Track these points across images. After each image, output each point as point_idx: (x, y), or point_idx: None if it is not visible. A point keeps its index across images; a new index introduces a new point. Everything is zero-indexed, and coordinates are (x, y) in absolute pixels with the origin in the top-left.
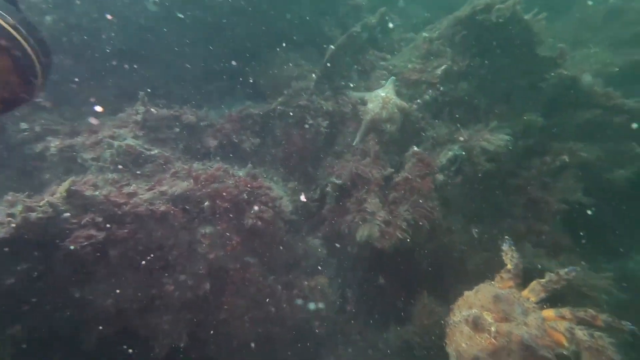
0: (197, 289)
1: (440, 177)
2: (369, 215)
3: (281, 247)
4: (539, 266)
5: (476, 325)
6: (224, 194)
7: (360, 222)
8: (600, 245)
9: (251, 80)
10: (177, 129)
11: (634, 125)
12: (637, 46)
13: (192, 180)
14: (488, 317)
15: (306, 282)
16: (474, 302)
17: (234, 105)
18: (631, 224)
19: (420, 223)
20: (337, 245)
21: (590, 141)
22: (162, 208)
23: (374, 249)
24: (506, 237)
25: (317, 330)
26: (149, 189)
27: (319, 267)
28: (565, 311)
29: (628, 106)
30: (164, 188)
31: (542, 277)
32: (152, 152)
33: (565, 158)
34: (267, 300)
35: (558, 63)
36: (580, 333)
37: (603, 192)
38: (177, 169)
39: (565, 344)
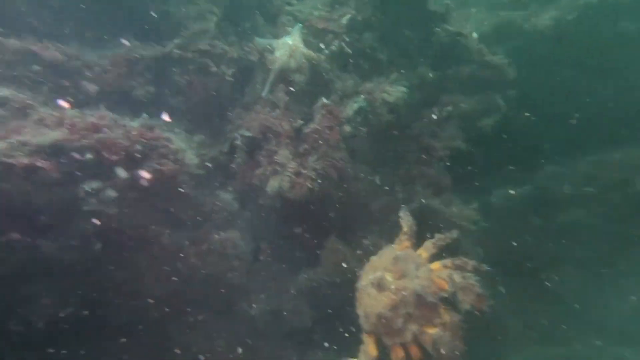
0: (84, 250)
1: (347, 128)
2: (279, 167)
3: (187, 202)
4: (427, 205)
5: (380, 286)
6: (112, 145)
7: (271, 174)
8: (470, 183)
9: (142, 18)
10: (38, 67)
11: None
12: (513, 9)
13: (66, 130)
14: (389, 277)
15: (217, 236)
16: (378, 266)
17: (118, 45)
18: (493, 165)
19: (329, 173)
20: (250, 198)
21: (469, 94)
22: (25, 161)
23: (285, 199)
24: (402, 205)
25: (230, 281)
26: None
27: (231, 221)
28: (448, 262)
29: (494, 62)
30: (25, 137)
31: (432, 215)
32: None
33: (450, 109)
34: (173, 256)
35: (445, 18)
36: (457, 277)
37: (474, 139)
38: (43, 115)
39: (447, 287)
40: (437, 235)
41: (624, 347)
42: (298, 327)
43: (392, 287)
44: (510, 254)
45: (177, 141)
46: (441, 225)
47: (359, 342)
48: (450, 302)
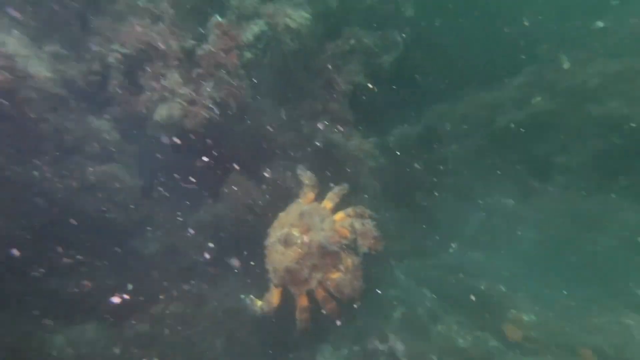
0: None
1: (248, 54)
2: (168, 93)
3: (41, 126)
4: (333, 140)
5: (287, 241)
6: None
7: (159, 101)
8: (370, 120)
9: None
10: None
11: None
12: None
13: None
14: (296, 232)
15: (92, 169)
16: (285, 222)
17: None
18: (391, 104)
19: (228, 102)
20: (135, 127)
21: (370, 28)
22: None
23: (179, 130)
24: (299, 165)
25: (115, 220)
26: None
27: (111, 153)
28: (350, 210)
29: None
30: None
31: (334, 149)
32: None
33: (353, 43)
34: (25, 190)
35: None
36: (357, 224)
37: (375, 75)
38: None
39: (349, 235)
40: (338, 187)
41: (478, 252)
42: (198, 262)
43: (299, 241)
44: (401, 184)
45: (16, 46)
46: (342, 158)
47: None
48: (351, 247)
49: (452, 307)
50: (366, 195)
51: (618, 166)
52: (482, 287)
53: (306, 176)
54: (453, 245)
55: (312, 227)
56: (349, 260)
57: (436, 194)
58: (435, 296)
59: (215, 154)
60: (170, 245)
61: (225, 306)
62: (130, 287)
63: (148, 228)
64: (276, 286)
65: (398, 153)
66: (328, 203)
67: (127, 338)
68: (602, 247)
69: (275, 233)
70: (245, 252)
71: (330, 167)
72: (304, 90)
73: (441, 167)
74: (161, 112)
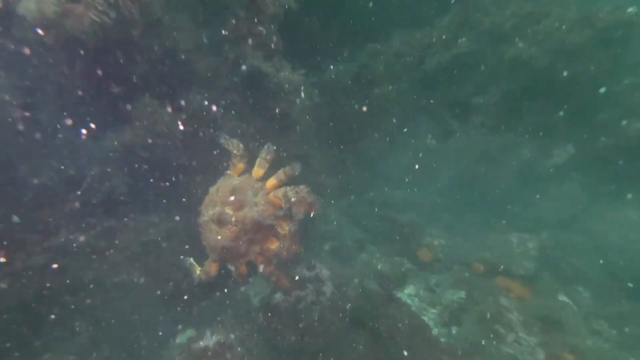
0: None
1: None
2: None
3: None
4: (260, 68)
5: (220, 221)
6: None
7: None
8: (303, 54)
9: None
10: None
11: None
12: None
13: None
14: (229, 211)
15: None
16: (217, 199)
17: None
18: (326, 38)
19: (128, 7)
20: None
21: None
22: None
23: (59, 34)
24: (220, 133)
25: None
26: None
27: None
28: (281, 173)
29: None
30: None
31: (263, 78)
32: None
33: None
34: None
35: None
36: (290, 192)
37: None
38: None
39: (283, 205)
40: (265, 150)
41: (404, 189)
42: (106, 193)
43: (232, 219)
44: (334, 124)
45: None
46: (271, 90)
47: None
48: (287, 215)
49: (377, 238)
50: (298, 131)
51: (522, 107)
52: (404, 220)
53: (232, 145)
54: (382, 183)
55: (245, 203)
56: (286, 228)
57: (369, 134)
58: (362, 230)
59: (118, 73)
60: (72, 177)
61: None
62: (15, 218)
63: (37, 160)
64: (214, 261)
65: (332, 92)
66: (258, 171)
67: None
68: (501, 179)
69: (208, 211)
70: (164, 183)
71: (259, 101)
72: (225, 8)
73: (374, 108)
74: (28, 6)
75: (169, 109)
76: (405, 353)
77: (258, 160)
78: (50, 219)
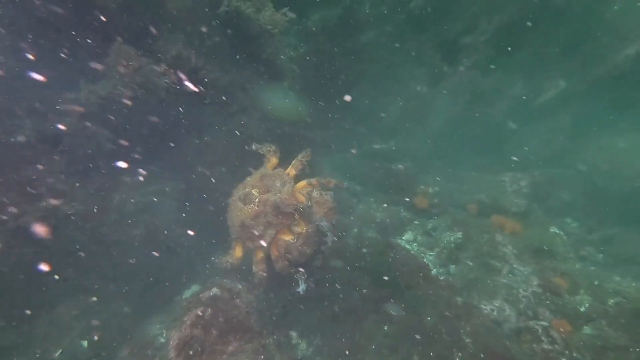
0: None
1: None
2: None
3: None
4: (240, 10)
5: (245, 199)
6: None
7: None
8: None
9: None
10: None
11: None
12: None
13: None
14: (255, 192)
15: None
16: (248, 184)
17: None
18: None
19: None
20: None
21: None
22: None
23: None
24: (250, 142)
25: None
26: None
27: None
28: (314, 181)
29: None
30: None
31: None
32: None
33: None
34: None
35: None
36: (315, 193)
37: None
38: None
39: (304, 201)
40: (301, 154)
41: (396, 138)
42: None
43: (256, 200)
44: (323, 73)
45: None
46: (253, 33)
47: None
48: (307, 215)
49: (373, 189)
50: (285, 83)
51: (512, 42)
52: (399, 169)
53: (264, 148)
54: (375, 134)
55: (271, 189)
56: (304, 227)
57: (359, 84)
58: (358, 182)
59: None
60: (44, 131)
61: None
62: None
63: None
64: (235, 240)
65: (317, 40)
66: (292, 170)
67: None
68: (493, 119)
69: (238, 192)
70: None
71: (242, 47)
72: None
73: (362, 55)
74: None
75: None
76: (406, 291)
77: (294, 160)
78: (35, 177)
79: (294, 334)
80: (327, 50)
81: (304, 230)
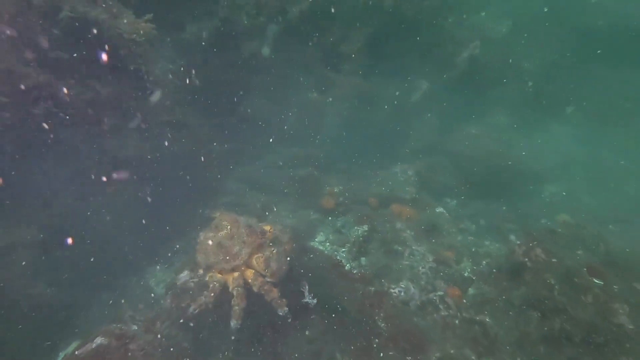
0: None
1: None
2: None
3: None
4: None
5: (217, 227)
6: None
7: None
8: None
9: None
10: None
11: None
12: None
13: None
14: (225, 223)
15: None
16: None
17: None
18: None
19: None
20: None
21: None
22: None
23: None
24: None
25: None
26: None
27: None
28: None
29: None
30: None
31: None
32: None
33: None
34: None
35: None
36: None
37: None
38: None
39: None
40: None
41: (296, 146)
42: None
43: (228, 226)
44: (211, 86)
45: None
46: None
47: None
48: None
49: (281, 197)
50: (167, 103)
51: (381, 50)
52: (303, 175)
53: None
54: (273, 143)
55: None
56: (273, 250)
57: (250, 96)
58: (265, 192)
59: None
60: None
61: None
62: None
63: None
64: (207, 270)
65: (194, 52)
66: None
67: None
68: (378, 119)
69: (206, 233)
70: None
71: (107, 59)
72: None
73: (248, 67)
74: None
75: None
76: (324, 290)
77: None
78: None
79: None
80: (211, 63)
81: (275, 252)
